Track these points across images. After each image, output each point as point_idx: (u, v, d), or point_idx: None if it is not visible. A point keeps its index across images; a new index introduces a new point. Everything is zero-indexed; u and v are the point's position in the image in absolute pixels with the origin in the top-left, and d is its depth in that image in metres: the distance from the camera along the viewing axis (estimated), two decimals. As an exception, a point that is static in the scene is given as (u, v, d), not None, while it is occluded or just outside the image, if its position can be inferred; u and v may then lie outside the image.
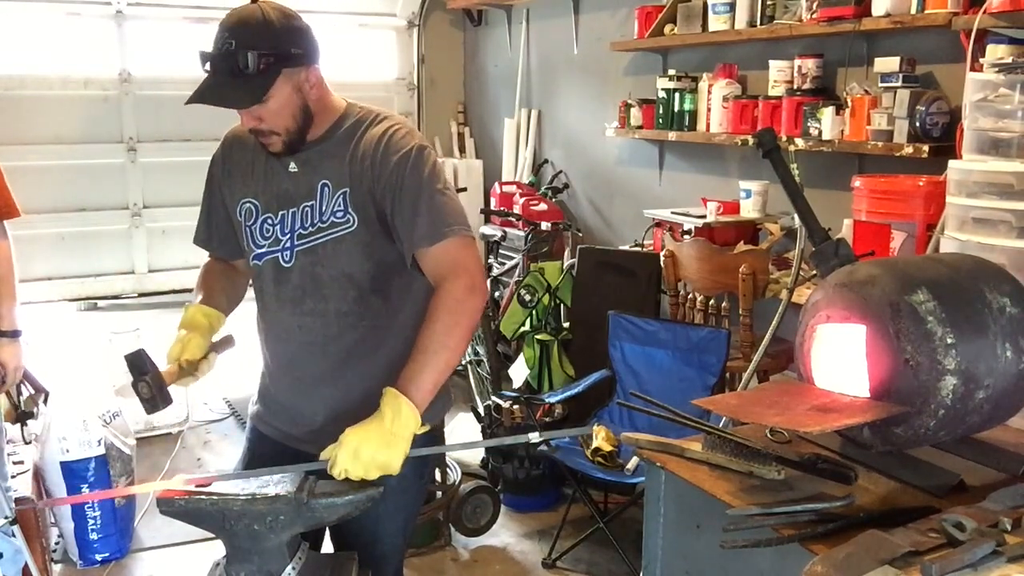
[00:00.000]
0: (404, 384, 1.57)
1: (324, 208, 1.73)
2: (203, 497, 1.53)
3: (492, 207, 5.23)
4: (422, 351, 1.60)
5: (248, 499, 1.52)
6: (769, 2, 3.62)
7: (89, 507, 3.13)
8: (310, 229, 1.74)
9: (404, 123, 1.79)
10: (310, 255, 1.75)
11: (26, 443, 2.95)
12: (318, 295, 1.76)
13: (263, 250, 1.78)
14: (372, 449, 1.52)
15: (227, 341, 1.86)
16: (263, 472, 1.63)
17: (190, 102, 1.65)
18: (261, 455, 1.86)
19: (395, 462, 1.53)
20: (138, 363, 1.69)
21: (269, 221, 1.77)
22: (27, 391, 2.87)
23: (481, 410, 3.90)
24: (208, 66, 1.65)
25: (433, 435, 1.92)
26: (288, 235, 1.76)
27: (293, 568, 1.56)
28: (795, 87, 3.56)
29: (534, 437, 1.62)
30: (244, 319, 1.95)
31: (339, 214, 1.72)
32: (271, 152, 1.74)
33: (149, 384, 1.68)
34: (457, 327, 1.62)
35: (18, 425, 2.95)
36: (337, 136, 1.75)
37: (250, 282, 1.95)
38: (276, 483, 1.56)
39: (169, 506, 1.54)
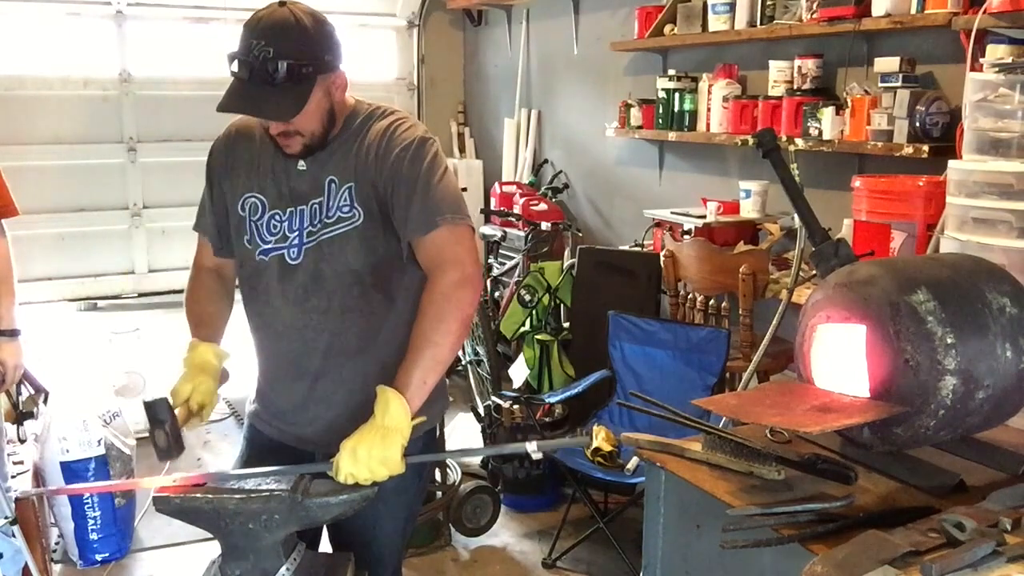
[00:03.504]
0: (394, 381, 1.58)
1: (331, 204, 1.73)
2: (198, 495, 1.54)
3: (492, 207, 5.22)
4: (410, 347, 1.61)
5: (243, 497, 1.53)
6: (769, 2, 3.62)
7: (89, 507, 3.14)
8: (318, 226, 1.74)
9: (409, 117, 1.80)
10: (316, 251, 1.75)
11: (21, 441, 2.94)
12: (322, 292, 1.75)
13: (269, 246, 1.78)
14: (368, 446, 1.52)
15: (224, 375, 1.86)
16: (261, 472, 1.63)
17: (222, 110, 1.64)
18: (260, 454, 1.87)
19: (394, 454, 1.53)
20: (158, 411, 1.70)
21: (276, 218, 1.77)
22: (27, 391, 2.87)
23: (481, 410, 3.90)
24: (240, 71, 1.62)
25: (432, 437, 1.93)
26: (297, 232, 1.75)
27: (288, 568, 1.57)
28: (795, 87, 3.55)
29: (531, 448, 1.60)
30: (242, 317, 1.95)
31: (345, 209, 1.73)
32: (288, 154, 1.73)
33: (167, 434, 1.69)
34: (443, 322, 1.61)
35: (18, 425, 2.94)
36: (346, 134, 1.76)
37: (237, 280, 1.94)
38: (271, 482, 1.57)
39: (165, 504, 1.55)
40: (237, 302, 1.96)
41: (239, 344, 1.93)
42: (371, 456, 1.52)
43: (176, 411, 1.74)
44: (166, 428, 1.69)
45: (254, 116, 1.74)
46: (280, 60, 1.58)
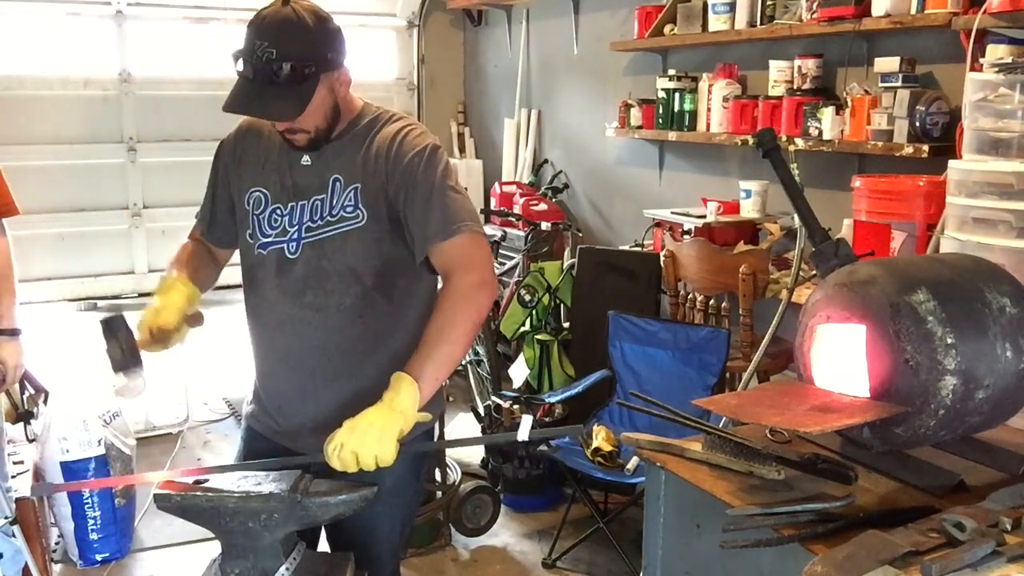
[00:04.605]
0: (408, 370, 1.59)
1: (334, 202, 1.74)
2: (199, 493, 1.54)
3: (492, 207, 5.22)
4: (424, 343, 1.62)
5: (243, 496, 1.53)
6: (769, 2, 3.62)
7: (89, 507, 3.14)
8: (319, 223, 1.75)
9: (418, 123, 1.83)
10: (316, 248, 1.75)
11: (30, 441, 2.94)
12: (320, 288, 1.76)
13: (269, 239, 1.79)
14: (368, 420, 1.52)
15: (197, 318, 1.83)
16: (257, 464, 1.64)
17: (228, 110, 1.66)
18: (256, 454, 1.86)
19: (390, 435, 1.52)
20: (113, 325, 1.72)
21: (278, 212, 1.78)
22: (27, 391, 2.87)
23: (481, 410, 3.90)
24: (244, 70, 1.63)
25: (428, 436, 1.93)
26: (296, 227, 1.76)
27: (287, 568, 1.57)
28: (795, 87, 3.55)
29: (523, 433, 1.59)
30: (241, 318, 1.95)
31: (349, 209, 1.74)
32: (296, 147, 1.75)
33: (122, 348, 1.70)
34: (460, 322, 1.63)
35: (18, 425, 2.94)
36: (352, 133, 1.77)
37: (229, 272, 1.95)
38: (271, 481, 1.57)
39: (166, 502, 1.56)
40: (235, 302, 1.96)
41: (238, 344, 1.93)
42: (370, 430, 1.51)
43: (140, 335, 1.74)
44: (120, 339, 1.70)
45: (258, 117, 1.78)
46: (283, 61, 1.60)
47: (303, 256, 1.76)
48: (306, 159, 1.77)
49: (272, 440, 1.89)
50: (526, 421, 1.58)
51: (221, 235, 1.93)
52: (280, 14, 1.63)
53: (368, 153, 1.74)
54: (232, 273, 1.98)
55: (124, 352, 1.70)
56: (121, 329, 1.72)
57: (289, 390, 1.84)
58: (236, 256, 1.94)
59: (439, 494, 3.35)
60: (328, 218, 1.74)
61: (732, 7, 3.76)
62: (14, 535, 2.37)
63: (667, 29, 4.19)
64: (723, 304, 3.51)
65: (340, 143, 1.77)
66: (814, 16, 3.34)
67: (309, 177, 1.77)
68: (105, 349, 1.71)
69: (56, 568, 3.18)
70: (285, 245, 1.77)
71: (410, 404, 1.55)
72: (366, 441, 1.50)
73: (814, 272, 1.75)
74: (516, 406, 3.63)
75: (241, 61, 1.64)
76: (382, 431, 1.51)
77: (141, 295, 5.43)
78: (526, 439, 1.59)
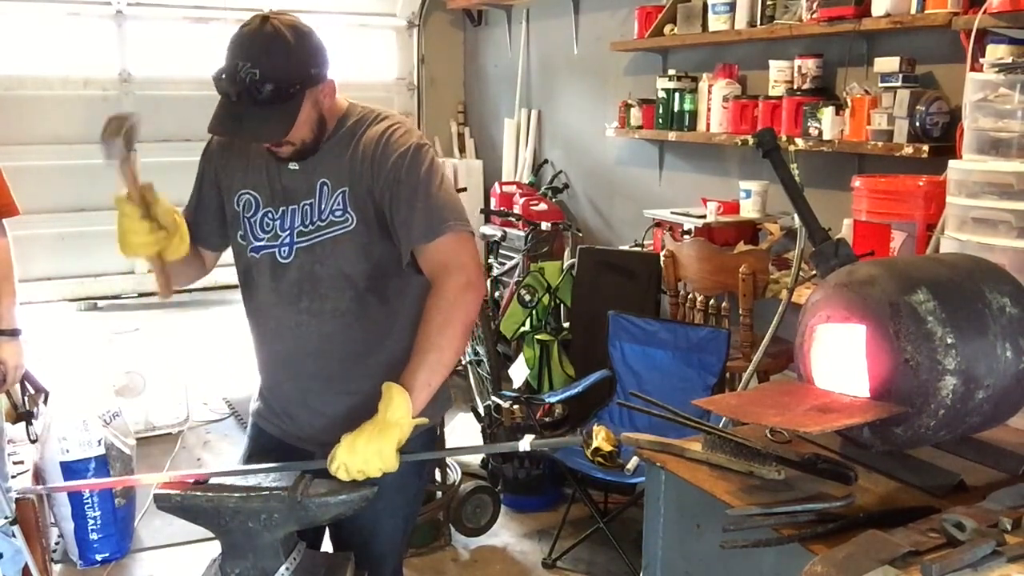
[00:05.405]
0: (400, 380, 1.58)
1: (323, 206, 1.74)
2: (199, 493, 1.55)
3: (492, 207, 5.22)
4: (415, 351, 1.62)
5: (243, 496, 1.53)
6: (769, 2, 3.62)
7: (89, 507, 3.14)
8: (310, 227, 1.74)
9: (404, 122, 1.80)
10: (309, 253, 1.75)
11: (32, 441, 2.94)
12: (315, 293, 1.76)
13: (262, 244, 1.78)
14: (367, 438, 1.52)
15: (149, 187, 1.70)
16: (261, 469, 1.64)
17: (212, 132, 1.65)
18: (263, 452, 1.87)
19: (389, 447, 1.52)
20: (123, 126, 1.62)
21: (270, 216, 1.78)
22: (28, 391, 2.87)
23: (481, 410, 3.90)
24: (227, 91, 1.61)
25: (431, 437, 1.93)
26: (288, 231, 1.76)
27: (287, 568, 1.57)
28: (795, 87, 3.55)
29: (524, 445, 1.61)
30: (241, 318, 1.95)
31: (338, 213, 1.73)
32: (280, 159, 1.74)
33: (124, 139, 1.61)
34: (449, 325, 1.62)
35: (18, 425, 2.94)
36: (338, 136, 1.76)
37: (231, 276, 1.93)
38: (271, 481, 1.57)
39: (166, 502, 1.56)
40: (236, 302, 1.96)
41: (238, 344, 1.93)
42: (368, 447, 1.51)
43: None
44: (126, 133, 1.61)
45: (244, 140, 1.75)
46: (266, 81, 1.58)
47: (296, 261, 1.76)
48: (293, 163, 1.75)
49: (278, 438, 1.89)
50: (527, 439, 1.61)
51: (205, 236, 1.88)
52: (260, 32, 1.60)
53: (355, 155, 1.73)
54: (232, 273, 1.97)
55: (123, 139, 1.61)
56: (129, 123, 1.62)
57: (292, 394, 1.85)
58: (232, 256, 1.93)
59: (439, 494, 3.35)
60: (318, 222, 1.74)
61: (732, 7, 3.76)
62: (14, 535, 2.37)
63: (667, 29, 4.19)
64: (723, 304, 3.51)
65: (327, 146, 1.75)
66: (814, 16, 3.34)
67: (297, 181, 1.76)
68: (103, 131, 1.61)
69: (56, 568, 3.18)
70: (277, 250, 1.77)
71: (403, 413, 1.55)
72: (367, 457, 1.51)
73: (814, 272, 1.75)
74: (516, 406, 3.63)
75: (223, 83, 1.60)
76: (380, 444, 1.52)
77: (141, 295, 5.43)
78: (527, 449, 1.60)
